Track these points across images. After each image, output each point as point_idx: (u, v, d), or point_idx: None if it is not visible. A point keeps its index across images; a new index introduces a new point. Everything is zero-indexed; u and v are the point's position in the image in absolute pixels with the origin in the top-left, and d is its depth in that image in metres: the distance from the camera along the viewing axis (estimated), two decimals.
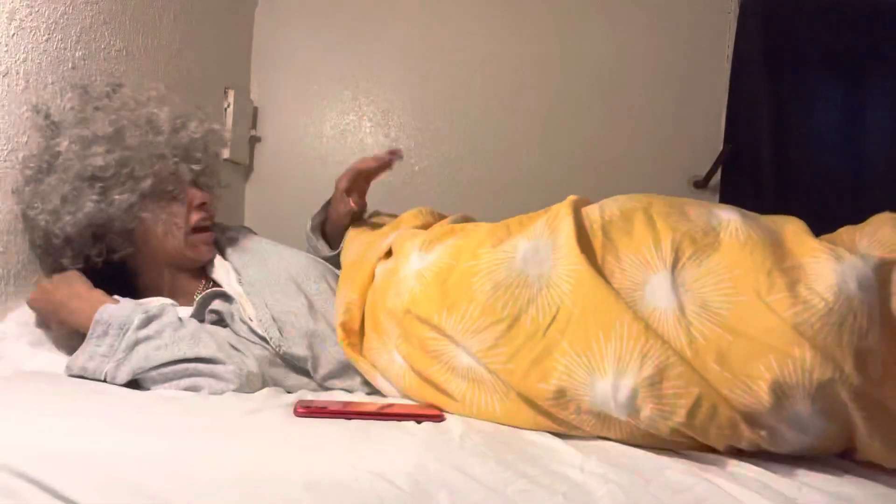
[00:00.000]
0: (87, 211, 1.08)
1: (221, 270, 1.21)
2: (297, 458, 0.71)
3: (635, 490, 0.69)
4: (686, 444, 0.81)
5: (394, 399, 1.02)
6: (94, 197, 1.09)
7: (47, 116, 1.11)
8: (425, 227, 1.22)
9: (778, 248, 0.83)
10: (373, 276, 1.11)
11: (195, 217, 1.19)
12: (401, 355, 0.99)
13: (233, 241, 1.29)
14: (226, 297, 1.15)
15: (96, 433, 0.72)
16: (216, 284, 1.20)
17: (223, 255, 1.25)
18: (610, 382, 0.78)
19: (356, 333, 1.08)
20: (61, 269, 1.12)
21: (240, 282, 1.18)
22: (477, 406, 0.90)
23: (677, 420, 0.77)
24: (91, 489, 0.65)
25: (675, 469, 0.74)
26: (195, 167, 1.19)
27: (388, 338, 1.02)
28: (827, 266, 0.78)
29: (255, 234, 1.38)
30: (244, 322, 1.11)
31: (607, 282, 0.85)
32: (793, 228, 0.88)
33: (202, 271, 1.24)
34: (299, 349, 1.10)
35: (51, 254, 1.13)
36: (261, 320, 1.11)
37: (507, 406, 0.88)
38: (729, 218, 0.89)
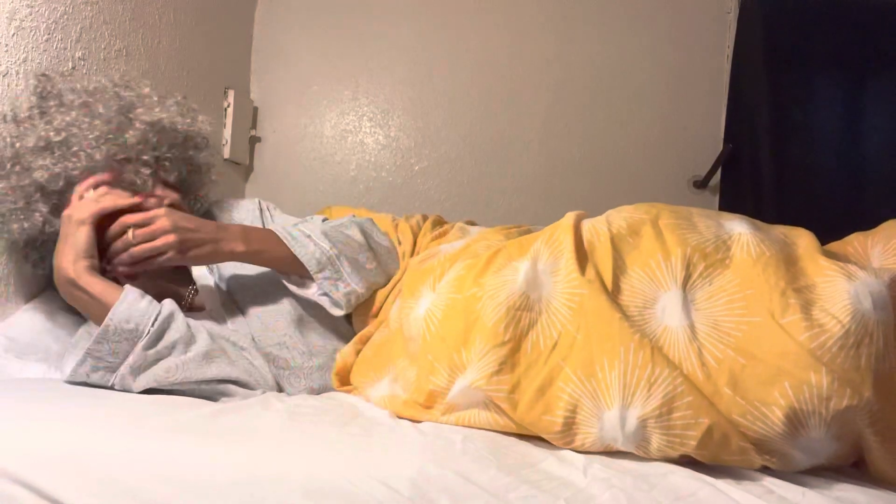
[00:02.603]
0: (36, 223, 1.00)
1: (202, 279, 1.17)
2: (296, 462, 0.70)
3: (639, 495, 0.68)
4: None
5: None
6: (44, 209, 1.01)
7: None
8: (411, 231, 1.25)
9: (792, 265, 0.81)
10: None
11: None
12: (402, 380, 0.95)
13: None
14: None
15: (93, 438, 0.72)
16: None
17: None
18: (616, 413, 0.76)
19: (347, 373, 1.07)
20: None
21: (223, 304, 1.13)
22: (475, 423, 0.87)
23: (687, 450, 0.75)
24: (87, 494, 0.64)
25: (678, 474, 0.73)
26: (144, 171, 1.07)
27: (386, 370, 1.00)
28: (840, 286, 0.76)
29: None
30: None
31: (613, 301, 0.82)
32: (804, 244, 0.85)
33: (186, 273, 1.19)
34: (299, 389, 1.08)
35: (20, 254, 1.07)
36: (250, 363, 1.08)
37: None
38: (740, 231, 0.86)
